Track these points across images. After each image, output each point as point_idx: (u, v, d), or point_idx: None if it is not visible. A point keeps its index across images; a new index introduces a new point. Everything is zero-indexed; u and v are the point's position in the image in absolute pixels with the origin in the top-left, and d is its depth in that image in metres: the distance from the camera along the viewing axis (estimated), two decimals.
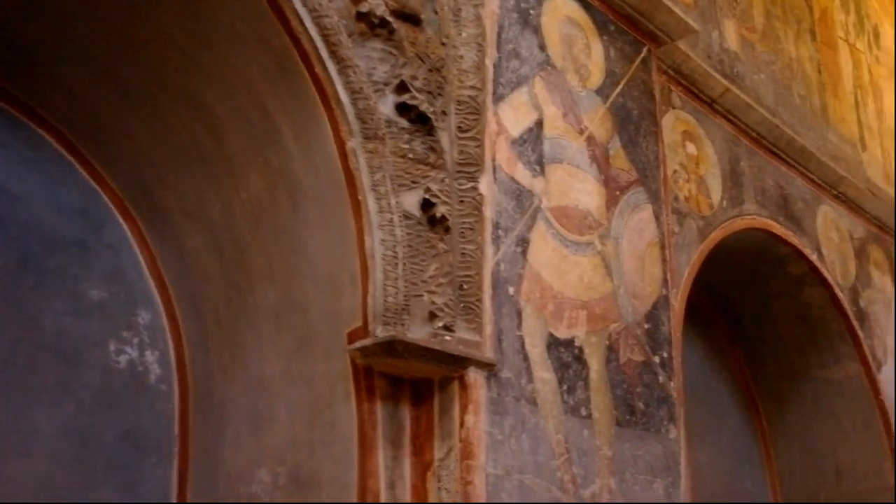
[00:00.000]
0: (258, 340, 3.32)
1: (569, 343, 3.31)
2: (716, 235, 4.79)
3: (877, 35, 8.45)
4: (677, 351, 3.93)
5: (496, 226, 3.15)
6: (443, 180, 3.02)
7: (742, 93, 5.26)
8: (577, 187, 3.61)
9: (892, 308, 6.77)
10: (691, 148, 4.77)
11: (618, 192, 3.84)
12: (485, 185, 3.15)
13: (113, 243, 3.60)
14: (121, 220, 3.64)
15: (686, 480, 3.63)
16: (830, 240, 6.14)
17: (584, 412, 3.26)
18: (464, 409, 2.83)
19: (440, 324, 2.83)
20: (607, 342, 3.50)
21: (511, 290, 3.13)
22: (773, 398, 6.63)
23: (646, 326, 3.74)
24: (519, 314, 3.13)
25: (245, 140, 3.19)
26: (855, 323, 6.11)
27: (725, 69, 5.39)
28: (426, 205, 2.94)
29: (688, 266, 4.43)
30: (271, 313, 3.26)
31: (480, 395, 2.87)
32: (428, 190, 2.96)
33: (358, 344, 2.78)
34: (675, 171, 4.54)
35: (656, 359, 3.74)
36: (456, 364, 2.85)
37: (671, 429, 3.69)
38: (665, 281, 3.97)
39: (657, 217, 4.06)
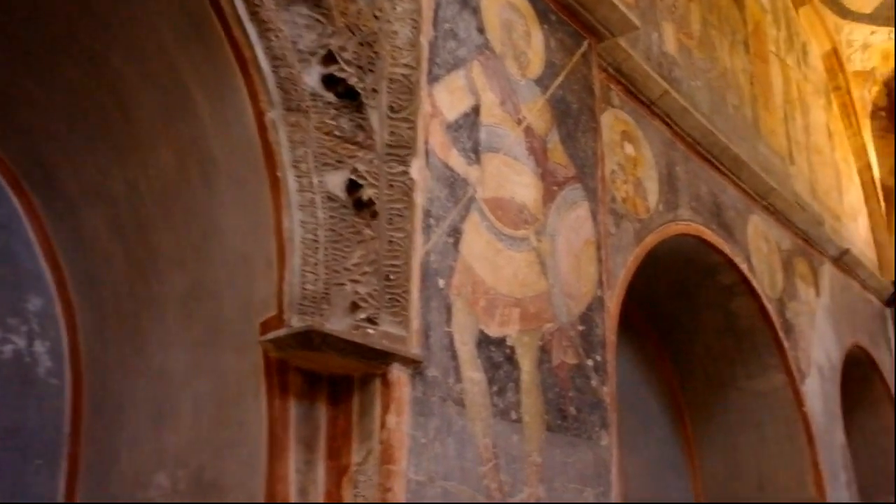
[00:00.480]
0: (163, 330, 3.02)
1: (500, 342, 3.11)
2: (651, 239, 4.69)
3: (805, 53, 8.62)
4: (611, 355, 3.78)
5: (427, 213, 2.94)
6: (371, 161, 2.79)
7: (680, 97, 5.20)
8: (514, 179, 3.43)
9: (815, 320, 6.85)
10: (629, 149, 4.67)
11: (555, 188, 3.68)
12: (416, 169, 2.93)
13: (1, 220, 3.24)
14: (11, 195, 3.28)
15: (617, 489, 3.48)
16: (760, 250, 6.15)
17: (514, 416, 3.07)
18: (385, 409, 2.59)
19: (363, 315, 2.60)
20: (540, 343, 3.32)
21: (441, 282, 2.92)
22: (699, 408, 6.60)
23: (580, 328, 3.58)
24: (448, 309, 2.92)
25: (155, 110, 2.89)
26: (781, 334, 6.12)
27: (664, 72, 5.32)
28: (352, 186, 2.71)
29: (623, 268, 4.31)
30: (178, 300, 2.97)
31: (404, 395, 2.64)
32: (354, 171, 2.72)
33: (271, 335, 2.52)
34: (613, 171, 4.42)
35: (589, 362, 3.58)
36: (378, 360, 2.61)
37: (603, 435, 3.53)
38: (600, 282, 3.83)
39: (594, 216, 3.92)
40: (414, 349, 2.72)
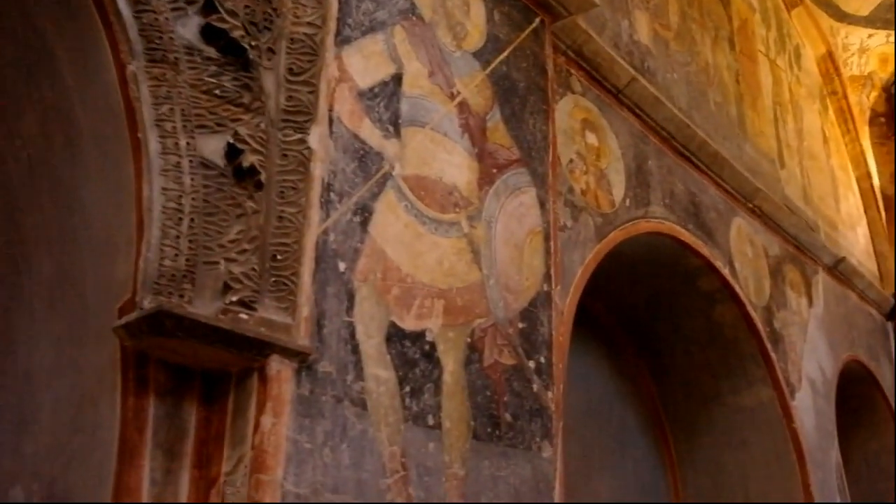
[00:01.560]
0: (31, 325, 2.65)
1: (418, 337, 2.73)
2: (616, 236, 4.31)
3: (798, 56, 8.26)
4: (559, 357, 3.39)
5: (328, 188, 2.58)
6: (258, 126, 2.43)
7: (652, 87, 4.84)
8: (443, 157, 3.07)
9: (807, 332, 6.42)
10: (592, 138, 4.31)
11: (494, 170, 3.31)
12: (316, 138, 2.58)
13: None
14: None
15: None
16: (744, 254, 5.75)
17: (431, 421, 2.68)
18: (260, 409, 2.21)
19: (235, 298, 2.23)
20: (469, 340, 2.94)
21: (342, 266, 2.55)
22: (682, 425, 6.16)
23: (520, 325, 3.20)
24: (350, 296, 2.55)
25: (18, 70, 2.55)
26: (768, 344, 5.70)
27: (635, 62, 4.97)
28: (232, 153, 2.35)
29: (581, 265, 3.93)
30: (45, 289, 2.61)
31: (285, 392, 2.26)
32: (236, 135, 2.37)
33: (123, 319, 2.15)
34: (571, 161, 4.05)
35: (531, 364, 3.19)
36: (254, 351, 2.24)
37: (545, 446, 3.13)
38: (548, 276, 3.45)
39: (542, 204, 3.54)
40: (301, 340, 2.35)
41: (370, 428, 2.47)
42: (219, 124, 2.36)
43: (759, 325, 5.64)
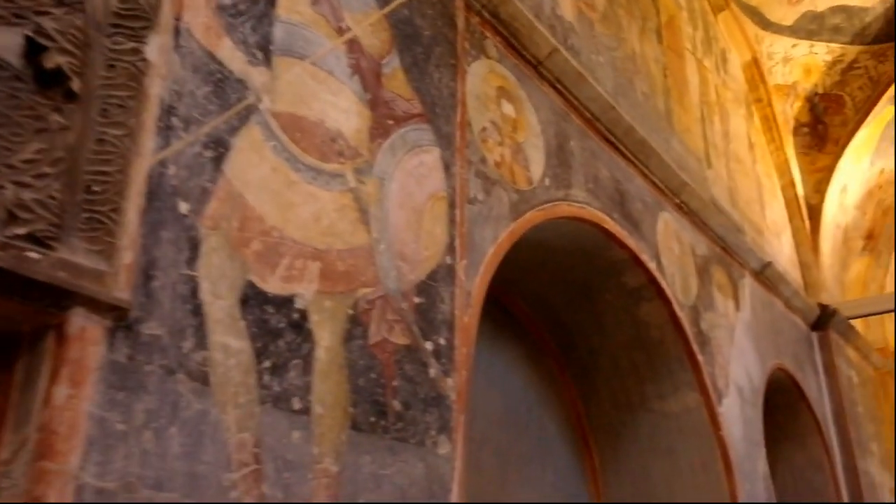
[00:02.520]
0: None
1: (284, 303, 2.24)
2: (534, 216, 3.91)
3: (724, 60, 8.13)
4: (464, 340, 2.94)
5: (169, 111, 2.08)
6: (73, 23, 1.92)
7: (576, 64, 4.49)
8: (326, 98, 2.60)
9: (734, 336, 6.15)
10: (508, 108, 3.91)
11: (391, 122, 2.86)
12: (155, 49, 2.08)
13: None
14: None
15: None
16: (671, 251, 5.44)
17: (297, 405, 2.18)
18: (54, 377, 1.69)
19: (22, 231, 1.70)
20: (351, 311, 2.46)
21: (184, 206, 2.04)
22: (606, 431, 5.79)
23: (416, 300, 2.74)
24: (194, 244, 2.04)
25: None
26: (695, 346, 5.38)
27: (557, 36, 4.62)
28: (33, 50, 1.83)
29: (494, 243, 3.49)
30: None
31: (89, 356, 1.74)
32: (39, 29, 1.85)
33: None
34: (484, 129, 3.64)
35: (428, 345, 2.73)
36: (48, 301, 1.71)
37: (442, 441, 2.66)
38: (452, 248, 3.00)
39: (447, 167, 3.11)
40: (118, 291, 1.83)
41: (213, 409, 1.96)
42: (17, 15, 1.84)
43: (686, 326, 5.32)
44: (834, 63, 8.87)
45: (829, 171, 8.80)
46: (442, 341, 2.80)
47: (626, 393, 5.65)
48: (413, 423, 2.56)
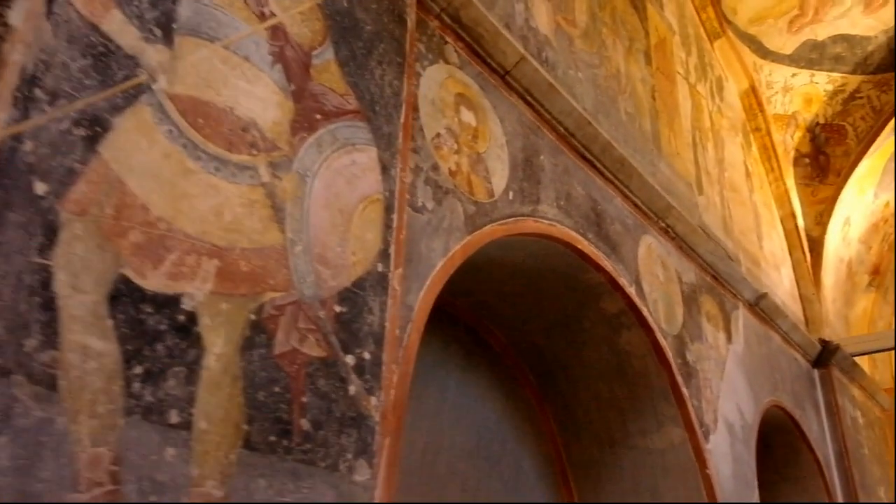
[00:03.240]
0: None
1: (168, 302, 1.99)
2: (495, 230, 3.65)
3: (720, 87, 7.92)
4: (393, 355, 2.66)
5: (32, 81, 1.85)
6: None
7: (548, 76, 4.27)
8: (239, 85, 2.38)
9: (724, 369, 5.83)
10: (468, 116, 3.68)
11: (318, 116, 2.63)
12: (21, 14, 1.86)
13: None
14: None
15: None
16: (654, 276, 5.16)
17: (174, 418, 1.92)
18: None
19: None
20: (254, 317, 2.20)
21: (41, 187, 1.80)
22: (586, 469, 5.44)
23: (337, 309, 2.48)
24: (51, 230, 1.80)
25: None
26: (680, 379, 5.07)
27: (530, 48, 4.42)
28: None
29: (444, 256, 3.24)
30: None
31: None
32: None
33: None
34: (438, 135, 3.41)
35: (349, 359, 2.46)
36: None
37: (360, 467, 2.38)
38: (386, 255, 2.75)
39: (386, 168, 2.87)
40: None
41: (59, 417, 1.70)
42: None
43: (670, 356, 5.02)
44: (835, 93, 8.64)
45: (831, 202, 8.51)
46: (367, 356, 2.53)
47: (607, 428, 5.33)
48: (324, 445, 2.28)
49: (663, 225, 5.41)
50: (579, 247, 4.35)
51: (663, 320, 5.07)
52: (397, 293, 2.75)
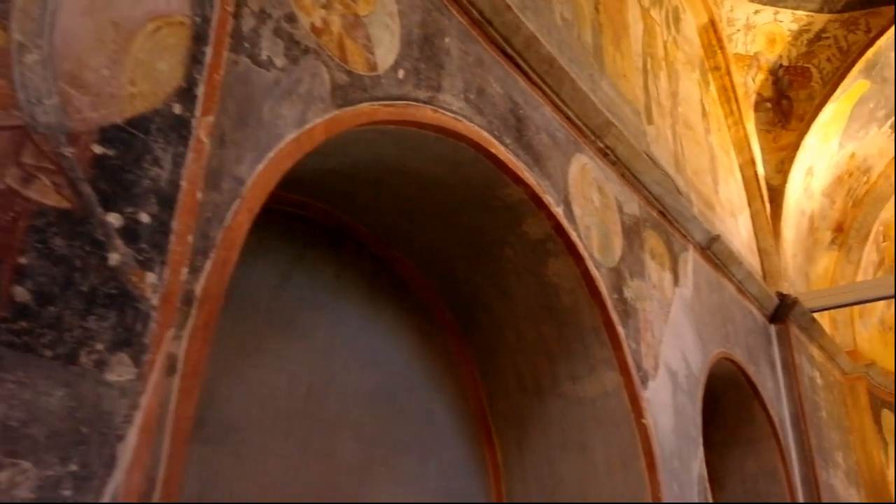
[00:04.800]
0: None
1: None
2: (376, 111, 2.97)
3: (677, 18, 7.28)
4: (189, 225, 1.99)
5: None
6: None
7: None
8: None
9: (669, 312, 5.23)
10: None
11: None
12: None
13: None
14: None
15: None
16: (588, 200, 4.53)
17: None
18: None
19: None
20: None
21: None
22: (511, 421, 4.83)
23: (98, 150, 1.79)
24: None
25: None
26: (615, 316, 4.45)
27: None
28: None
29: (299, 128, 2.56)
30: None
31: None
32: None
33: None
34: None
35: (113, 218, 1.78)
36: None
37: (118, 363, 1.70)
38: (188, 95, 2.06)
39: None
40: None
41: None
42: None
43: (604, 290, 4.39)
44: (800, 32, 8.06)
45: (793, 149, 7.96)
46: (144, 218, 1.85)
47: (534, 373, 4.71)
48: (55, 327, 1.60)
49: (602, 146, 4.77)
50: (493, 151, 3.69)
51: (597, 250, 4.44)
52: (204, 147, 2.07)
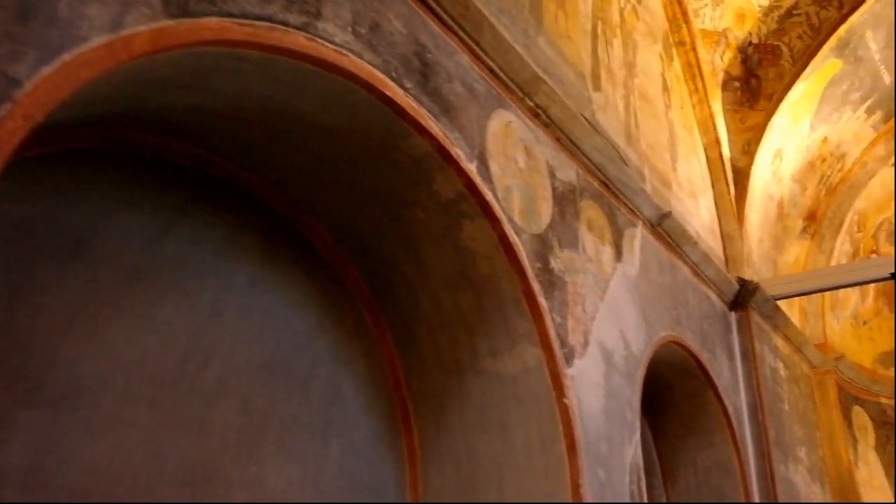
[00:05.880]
0: None
1: None
2: (227, 28, 2.61)
3: None
4: None
5: None
6: None
7: None
8: None
9: (607, 289, 4.88)
10: None
11: None
12: None
13: None
14: None
15: None
16: (511, 160, 4.17)
17: None
18: None
19: None
20: None
21: None
22: (428, 400, 4.47)
23: None
24: None
25: None
26: (536, 286, 4.10)
27: None
28: None
29: (110, 33, 2.20)
30: None
31: None
32: None
33: None
34: None
35: None
36: None
37: None
38: None
39: None
40: None
41: None
42: None
43: (524, 257, 4.04)
44: (771, 9, 7.70)
45: (761, 129, 7.61)
46: None
47: (453, 348, 4.35)
48: None
49: (531, 104, 4.41)
50: (388, 94, 3.33)
51: (518, 214, 4.09)
52: None
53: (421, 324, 4.35)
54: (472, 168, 3.78)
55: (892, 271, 6.59)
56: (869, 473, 8.82)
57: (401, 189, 3.87)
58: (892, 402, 9.59)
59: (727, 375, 6.62)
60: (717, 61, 7.75)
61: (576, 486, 3.93)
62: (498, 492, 4.12)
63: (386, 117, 3.45)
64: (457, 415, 4.36)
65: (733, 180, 7.52)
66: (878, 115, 8.67)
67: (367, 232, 4.14)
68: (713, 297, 6.73)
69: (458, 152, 3.71)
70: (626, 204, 5.37)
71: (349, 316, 4.31)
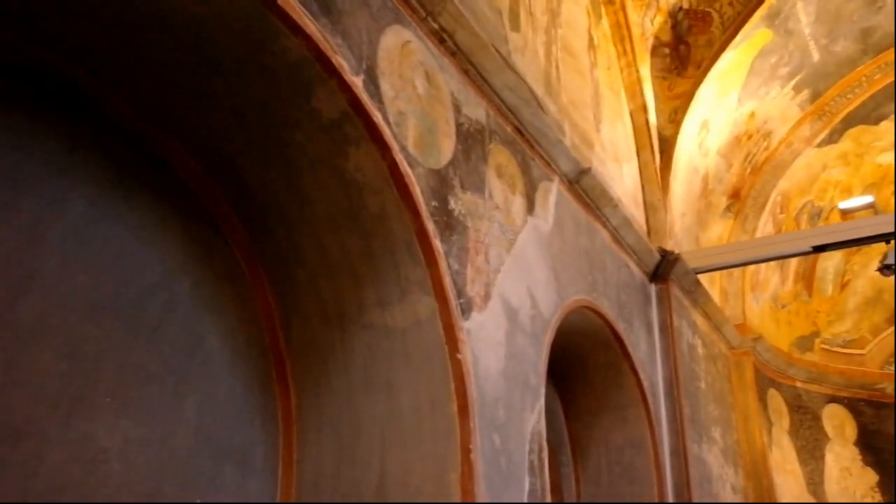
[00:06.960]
0: None
1: None
2: None
3: None
4: None
5: None
6: None
7: None
8: None
9: (515, 241, 4.44)
10: None
11: None
12: None
13: None
14: None
15: None
16: (407, 83, 3.67)
17: None
18: None
19: None
20: None
21: None
22: (310, 358, 3.96)
23: None
24: None
25: None
26: (431, 226, 3.62)
27: None
28: None
29: None
30: None
31: None
32: None
33: None
34: None
35: None
36: None
37: None
38: None
39: None
40: None
41: None
42: None
43: (418, 192, 3.55)
44: None
45: (688, 98, 7.31)
46: None
47: (338, 298, 3.84)
48: None
49: (435, 27, 3.93)
50: None
51: (412, 143, 3.60)
52: None
53: (301, 268, 3.83)
54: (356, 81, 3.27)
55: (814, 245, 6.36)
56: (782, 457, 8.69)
57: (274, 104, 3.33)
58: (807, 386, 9.51)
59: (644, 349, 6.29)
60: (647, 25, 7.41)
61: (466, 451, 3.47)
62: (380, 459, 3.64)
63: (253, 9, 2.91)
64: (339, 373, 3.86)
65: (659, 149, 7.20)
66: (805, 94, 8.50)
67: (239, 159, 3.59)
68: (633, 266, 6.39)
69: (342, 62, 3.19)
70: (541, 155, 4.94)
71: (217, 255, 3.75)
